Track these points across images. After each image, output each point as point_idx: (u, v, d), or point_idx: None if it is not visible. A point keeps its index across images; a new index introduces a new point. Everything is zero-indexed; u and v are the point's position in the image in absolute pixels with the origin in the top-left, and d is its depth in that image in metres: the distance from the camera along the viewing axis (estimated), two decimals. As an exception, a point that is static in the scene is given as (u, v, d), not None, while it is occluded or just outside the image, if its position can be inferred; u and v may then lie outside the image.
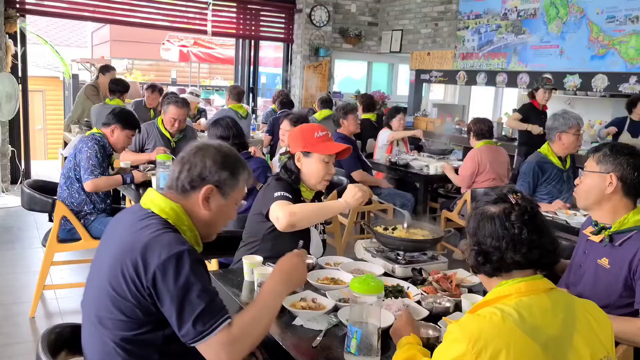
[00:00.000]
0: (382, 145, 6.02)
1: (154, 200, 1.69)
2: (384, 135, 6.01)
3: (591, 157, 2.20)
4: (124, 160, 4.46)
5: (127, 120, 3.93)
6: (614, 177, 2.08)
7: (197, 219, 1.71)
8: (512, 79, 7.06)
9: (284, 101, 7.39)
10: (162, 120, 4.84)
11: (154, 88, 6.82)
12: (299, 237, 2.59)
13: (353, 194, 2.45)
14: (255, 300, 1.65)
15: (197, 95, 8.22)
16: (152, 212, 1.66)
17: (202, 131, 6.76)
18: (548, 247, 1.48)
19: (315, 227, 2.72)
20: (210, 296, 1.52)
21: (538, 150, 4.04)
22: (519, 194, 1.51)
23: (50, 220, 3.76)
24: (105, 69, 7.34)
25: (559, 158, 3.92)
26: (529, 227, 1.46)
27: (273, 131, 6.60)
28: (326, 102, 7.05)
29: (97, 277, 1.64)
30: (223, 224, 1.81)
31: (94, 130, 3.96)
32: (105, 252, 1.67)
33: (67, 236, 3.77)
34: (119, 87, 6.38)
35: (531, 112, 5.94)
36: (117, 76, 7.40)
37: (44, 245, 3.75)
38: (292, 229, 2.43)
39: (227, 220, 1.82)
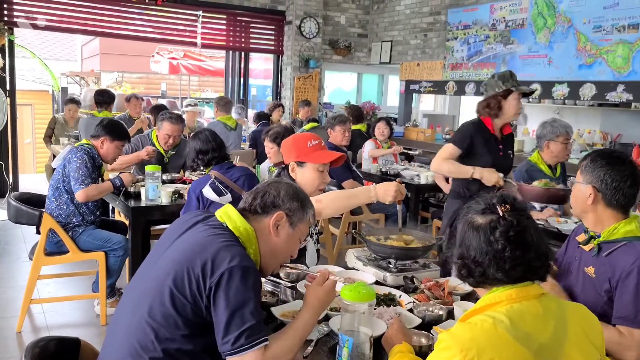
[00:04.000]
0: (367, 157, 6.06)
1: (231, 216, 1.75)
2: (368, 147, 6.04)
3: (580, 165, 2.16)
4: (112, 168, 4.43)
5: (116, 131, 3.90)
6: (592, 188, 2.02)
7: (265, 246, 1.77)
8: (501, 89, 7.08)
9: (260, 115, 7.51)
10: (157, 135, 4.77)
11: (132, 98, 6.80)
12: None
13: (386, 191, 2.40)
14: (292, 329, 1.69)
15: (195, 105, 8.24)
16: (226, 227, 1.72)
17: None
18: (534, 264, 1.44)
19: (311, 237, 2.70)
20: (260, 317, 1.60)
21: (528, 158, 4.05)
22: (508, 205, 1.46)
23: (38, 232, 3.71)
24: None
25: (549, 166, 3.92)
26: (514, 244, 1.42)
27: (256, 144, 6.65)
28: (312, 119, 7.26)
29: (158, 269, 1.68)
30: (284, 258, 1.87)
31: (83, 141, 3.93)
32: (172, 247, 1.71)
33: (55, 249, 3.72)
34: (105, 98, 6.32)
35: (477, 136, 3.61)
36: (107, 89, 7.42)
37: (31, 259, 3.70)
38: (318, 217, 2.42)
39: (289, 254, 1.87)
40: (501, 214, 1.45)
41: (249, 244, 1.72)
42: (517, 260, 1.42)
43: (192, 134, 6.93)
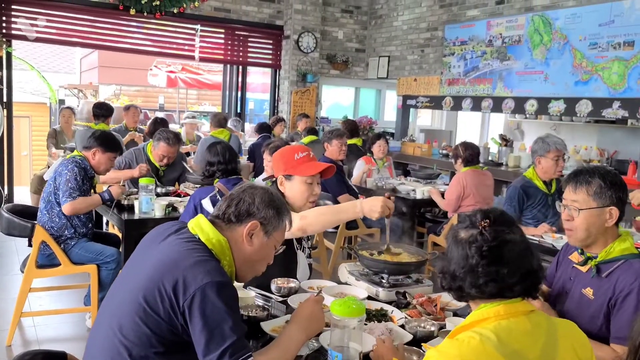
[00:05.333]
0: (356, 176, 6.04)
1: (203, 228, 1.70)
2: (359, 166, 6.01)
3: (582, 189, 2.02)
4: (104, 181, 4.40)
5: (108, 142, 3.89)
6: (615, 210, 1.98)
7: (238, 254, 1.73)
8: (497, 105, 7.11)
9: (263, 126, 7.47)
10: (152, 151, 4.75)
11: (131, 107, 6.83)
12: (287, 261, 2.55)
13: (372, 206, 2.30)
14: (275, 345, 1.66)
15: (193, 117, 8.26)
16: (199, 239, 1.68)
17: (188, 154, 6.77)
18: (508, 281, 1.40)
19: (303, 251, 2.67)
20: (241, 332, 1.55)
21: (523, 174, 4.04)
22: (488, 220, 1.44)
23: (30, 245, 3.68)
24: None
25: (544, 182, 3.91)
26: (488, 259, 1.40)
27: (254, 157, 6.62)
28: (311, 131, 7.25)
29: (130, 284, 1.64)
30: (260, 266, 1.82)
31: (75, 152, 3.91)
32: (144, 262, 1.67)
33: (47, 261, 3.69)
34: (103, 111, 6.32)
35: None
36: (106, 102, 7.44)
37: (23, 272, 3.67)
38: (302, 234, 2.40)
39: (265, 262, 1.83)
40: (480, 229, 1.44)
41: (222, 256, 1.68)
42: (490, 276, 1.40)
43: (194, 144, 7.00)
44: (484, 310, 1.42)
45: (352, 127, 7.00)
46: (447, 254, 1.49)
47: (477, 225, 1.45)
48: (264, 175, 4.58)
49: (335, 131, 5.48)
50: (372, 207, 2.31)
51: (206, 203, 3.35)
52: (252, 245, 1.74)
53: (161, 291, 1.53)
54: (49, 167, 6.73)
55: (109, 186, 3.95)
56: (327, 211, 2.42)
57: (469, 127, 10.53)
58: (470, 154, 4.97)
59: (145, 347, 1.54)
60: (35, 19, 7.23)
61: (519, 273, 1.41)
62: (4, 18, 7.05)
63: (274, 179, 2.62)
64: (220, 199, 3.36)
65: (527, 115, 7.50)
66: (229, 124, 7.35)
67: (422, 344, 1.86)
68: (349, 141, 6.62)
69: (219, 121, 6.62)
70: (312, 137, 6.91)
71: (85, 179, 3.77)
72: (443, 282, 1.49)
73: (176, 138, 4.69)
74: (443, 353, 1.34)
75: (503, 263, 1.40)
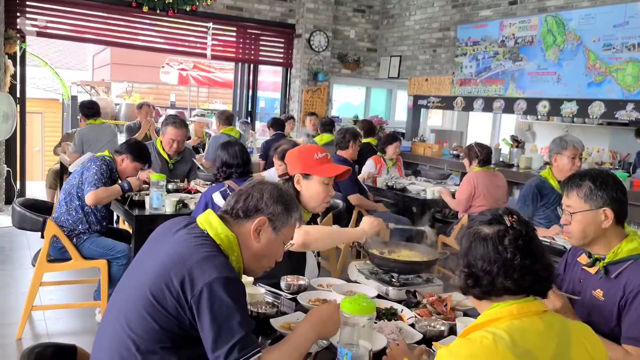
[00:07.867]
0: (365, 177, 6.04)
1: (212, 223, 1.70)
2: (368, 165, 6.02)
3: (573, 193, 2.07)
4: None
5: (138, 152, 4.00)
6: (609, 211, 1.99)
7: (246, 250, 1.72)
8: (509, 105, 7.07)
9: (277, 122, 7.47)
10: (161, 141, 4.83)
11: (144, 105, 6.92)
12: (295, 259, 2.56)
13: (370, 222, 2.52)
14: (286, 341, 1.65)
15: (202, 115, 8.28)
16: (207, 234, 1.68)
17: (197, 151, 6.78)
18: (541, 274, 1.43)
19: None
20: (249, 327, 1.54)
21: (539, 173, 4.02)
22: (514, 216, 1.46)
23: (43, 237, 3.71)
24: None
25: (559, 182, 3.88)
26: (523, 253, 1.41)
27: (267, 155, 6.61)
28: (327, 125, 7.09)
29: (138, 279, 1.64)
30: (268, 262, 1.82)
31: (106, 153, 4.00)
32: (153, 257, 1.67)
33: (59, 255, 3.73)
34: (95, 110, 6.22)
35: None
36: (117, 98, 7.45)
37: (34, 265, 3.69)
38: (304, 249, 2.43)
39: (274, 258, 1.82)
40: (509, 224, 1.44)
41: (230, 252, 1.68)
42: (526, 269, 1.40)
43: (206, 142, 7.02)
44: (497, 310, 1.41)
45: (368, 127, 7.05)
46: (467, 251, 1.47)
47: (502, 221, 1.45)
48: (273, 169, 4.59)
49: (355, 130, 5.56)
50: (370, 224, 2.54)
51: (217, 197, 3.37)
52: (260, 241, 1.73)
53: (169, 286, 1.54)
54: (61, 163, 6.78)
55: (127, 177, 4.01)
56: (329, 231, 2.58)
57: (480, 127, 10.48)
58: (487, 153, 4.98)
59: (153, 341, 1.54)
60: (48, 15, 7.28)
61: (550, 268, 1.45)
62: (18, 14, 7.10)
63: (288, 177, 2.61)
64: (230, 193, 3.39)
65: (539, 117, 7.45)
66: (237, 127, 7.33)
67: (433, 342, 1.85)
68: (365, 140, 6.68)
69: (227, 118, 6.65)
70: (329, 137, 6.82)
71: (109, 178, 3.84)
72: (468, 279, 1.46)
73: (182, 122, 4.86)
74: (454, 352, 1.32)
75: (535, 256, 1.43)
